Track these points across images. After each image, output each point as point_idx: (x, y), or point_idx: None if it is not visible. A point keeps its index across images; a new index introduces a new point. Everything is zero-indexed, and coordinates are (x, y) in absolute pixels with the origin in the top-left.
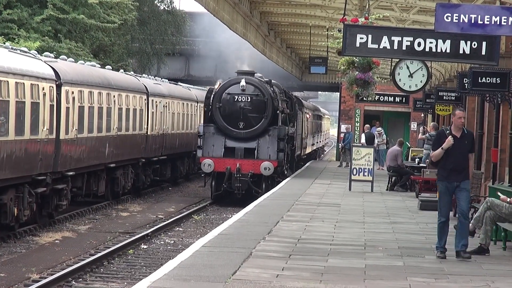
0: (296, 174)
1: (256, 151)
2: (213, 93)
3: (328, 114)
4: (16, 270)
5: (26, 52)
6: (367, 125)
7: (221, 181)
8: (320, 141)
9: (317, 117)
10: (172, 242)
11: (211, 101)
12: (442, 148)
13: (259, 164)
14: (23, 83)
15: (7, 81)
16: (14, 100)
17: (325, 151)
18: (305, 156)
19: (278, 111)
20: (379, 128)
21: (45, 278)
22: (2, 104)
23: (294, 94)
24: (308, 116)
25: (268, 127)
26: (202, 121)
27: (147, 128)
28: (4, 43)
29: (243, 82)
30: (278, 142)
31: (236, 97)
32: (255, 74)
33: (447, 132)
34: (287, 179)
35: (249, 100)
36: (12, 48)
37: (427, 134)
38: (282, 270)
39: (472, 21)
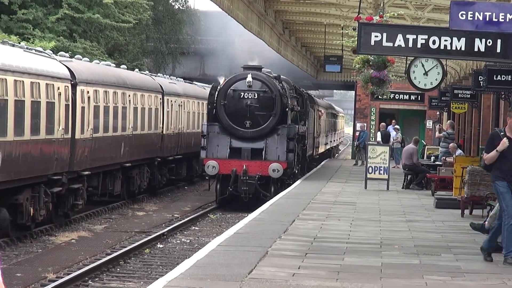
0: (311, 173)
1: (264, 152)
2: (218, 89)
3: (343, 112)
4: (32, 270)
5: (41, 52)
6: (383, 123)
7: (227, 184)
8: (334, 140)
9: (330, 115)
10: (188, 241)
11: (215, 98)
12: (497, 151)
13: (267, 166)
14: (39, 83)
15: (23, 81)
16: (29, 100)
17: (340, 150)
18: (318, 156)
19: (287, 109)
20: (397, 126)
21: (62, 277)
22: (18, 104)
23: (307, 91)
24: (320, 114)
25: (276, 125)
26: (205, 120)
27: (162, 127)
28: (19, 43)
29: (249, 78)
30: (287, 142)
31: (242, 93)
32: (263, 69)
33: (502, 134)
34: (299, 180)
35: (256, 96)
36: (27, 48)
37: (444, 133)
38: (298, 268)
39: (487, 19)
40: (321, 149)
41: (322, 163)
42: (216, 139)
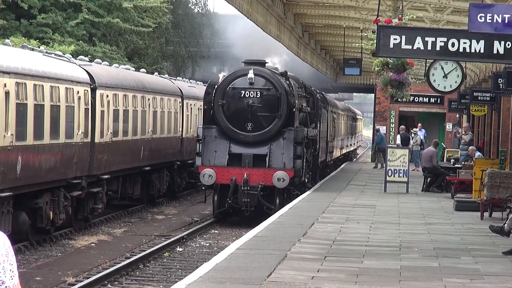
0: (328, 178)
1: (267, 158)
2: (215, 87)
3: (360, 114)
4: (52, 274)
5: (60, 56)
6: (403, 126)
7: (225, 196)
8: (351, 144)
9: (346, 117)
10: (208, 244)
11: (212, 98)
12: None
13: (272, 174)
14: (58, 87)
15: (42, 85)
16: (49, 104)
17: (358, 154)
18: (332, 162)
19: (294, 109)
20: (415, 129)
21: (81, 281)
22: (37, 108)
23: (321, 92)
24: (335, 115)
25: (282, 128)
26: (201, 123)
27: (182, 130)
28: (39, 47)
29: (251, 74)
30: (294, 147)
31: (243, 92)
32: (267, 65)
33: None
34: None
35: (258, 95)
36: (46, 52)
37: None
38: (318, 271)
39: (506, 21)
40: (336, 154)
41: (342, 166)
42: (213, 144)
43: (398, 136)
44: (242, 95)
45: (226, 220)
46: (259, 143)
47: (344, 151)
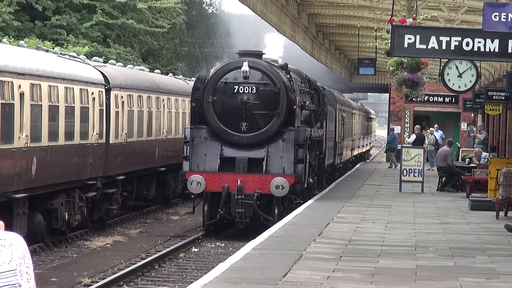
0: (346, 175)
1: (264, 163)
2: (205, 82)
3: (373, 113)
4: (67, 275)
5: (75, 57)
6: (417, 126)
7: (217, 205)
8: (363, 145)
9: (358, 116)
10: (223, 245)
11: (202, 94)
12: None
13: (269, 181)
14: (73, 88)
15: (57, 86)
16: (63, 105)
17: (371, 155)
18: (341, 165)
19: (295, 106)
20: (431, 129)
21: (97, 282)
22: (52, 109)
23: (334, 90)
24: (344, 114)
25: (281, 128)
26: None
27: None
28: (53, 49)
29: (245, 67)
30: (295, 150)
31: (237, 87)
32: (264, 56)
33: None
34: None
35: (254, 91)
36: (61, 54)
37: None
38: (333, 271)
39: None
40: (346, 156)
41: (357, 166)
42: (203, 147)
43: (413, 135)
44: (235, 91)
45: (218, 232)
46: (255, 146)
47: (355, 152)
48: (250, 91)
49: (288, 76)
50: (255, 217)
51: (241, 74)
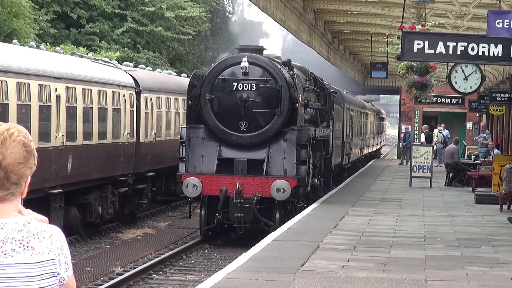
0: (359, 172)
1: (265, 164)
2: (202, 79)
3: (383, 112)
4: (101, 264)
5: (107, 62)
6: (426, 125)
7: (215, 210)
8: (373, 144)
9: (367, 115)
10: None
11: (199, 91)
12: None
13: (270, 184)
14: (105, 91)
15: (91, 89)
16: (97, 106)
17: (381, 154)
18: (350, 164)
19: (297, 104)
20: (440, 128)
21: (128, 271)
22: (86, 111)
23: (344, 90)
24: (352, 113)
25: (283, 128)
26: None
27: None
28: (87, 54)
29: (245, 62)
30: (298, 151)
31: (235, 84)
32: (267, 53)
33: None
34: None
35: (254, 88)
36: (94, 59)
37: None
38: (348, 261)
39: None
40: (355, 156)
41: (370, 163)
42: (200, 148)
43: (423, 135)
44: (234, 88)
45: (216, 239)
46: (255, 146)
47: (365, 151)
48: (249, 88)
49: (291, 73)
50: (255, 222)
51: (240, 70)
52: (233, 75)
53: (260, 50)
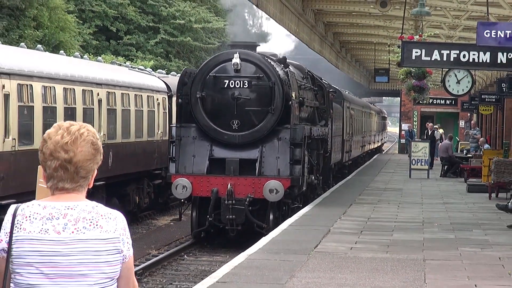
0: (364, 165)
1: (258, 164)
2: (193, 76)
3: (385, 112)
4: (139, 247)
5: (142, 69)
6: (431, 124)
7: (206, 210)
8: (377, 141)
9: (368, 114)
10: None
11: (189, 89)
12: None
13: (262, 184)
14: (141, 95)
15: (128, 94)
16: (133, 109)
17: (383, 150)
18: (351, 162)
19: (291, 102)
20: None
21: (162, 253)
22: (124, 112)
23: (344, 90)
24: (352, 112)
25: (277, 126)
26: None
27: None
28: (125, 63)
29: (236, 59)
30: (292, 150)
31: (227, 81)
32: (263, 51)
33: None
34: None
35: (246, 85)
36: (131, 67)
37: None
38: (355, 243)
39: (508, 36)
40: (356, 153)
41: (374, 157)
42: (191, 147)
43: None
44: (225, 86)
45: (209, 241)
46: (248, 145)
47: (367, 148)
48: (242, 86)
49: (287, 70)
50: (247, 224)
51: (232, 67)
52: (225, 72)
53: (253, 46)
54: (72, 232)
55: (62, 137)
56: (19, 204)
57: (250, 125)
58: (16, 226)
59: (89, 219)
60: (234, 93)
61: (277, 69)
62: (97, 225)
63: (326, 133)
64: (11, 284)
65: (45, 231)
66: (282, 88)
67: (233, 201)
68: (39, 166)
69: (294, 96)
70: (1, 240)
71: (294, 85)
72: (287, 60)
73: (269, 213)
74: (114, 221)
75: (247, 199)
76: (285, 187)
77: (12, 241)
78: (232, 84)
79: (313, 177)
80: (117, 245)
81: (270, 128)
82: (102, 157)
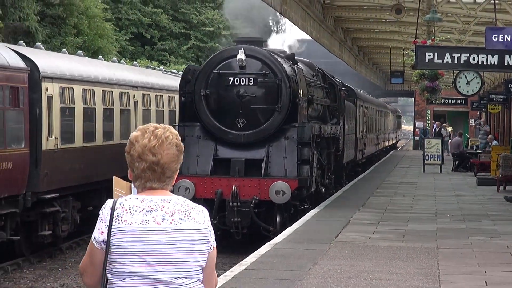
0: (381, 160)
1: (264, 164)
2: (197, 73)
3: (399, 110)
4: None
5: (175, 73)
6: (438, 122)
7: (210, 214)
8: (392, 138)
9: (382, 112)
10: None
11: (193, 87)
12: None
13: (269, 185)
14: (174, 97)
15: (162, 96)
16: (167, 109)
17: (398, 147)
18: (364, 160)
19: (298, 99)
20: (444, 124)
21: None
22: (158, 113)
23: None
24: (366, 110)
25: (283, 125)
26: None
27: None
28: (159, 67)
29: (241, 55)
30: (299, 149)
31: (232, 78)
32: (270, 48)
33: None
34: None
35: (252, 82)
36: (164, 71)
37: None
38: (373, 233)
39: None
40: (370, 151)
41: (391, 152)
42: (195, 147)
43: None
44: (230, 83)
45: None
46: (254, 145)
47: (381, 146)
48: (247, 83)
49: (295, 66)
50: (253, 227)
51: (236, 63)
52: (229, 69)
53: (259, 42)
54: (170, 223)
55: (149, 141)
56: (115, 199)
57: (256, 124)
58: (116, 218)
59: (183, 211)
60: (239, 90)
61: (284, 65)
62: (190, 216)
63: (338, 132)
64: (108, 274)
65: (146, 222)
66: (289, 85)
67: (238, 203)
68: (114, 177)
69: (302, 93)
70: (103, 233)
71: (303, 82)
72: (296, 57)
73: (276, 215)
74: (202, 213)
75: (253, 201)
76: (292, 188)
77: (112, 232)
78: (237, 81)
79: (322, 180)
80: (206, 235)
81: (276, 126)
82: (183, 156)
